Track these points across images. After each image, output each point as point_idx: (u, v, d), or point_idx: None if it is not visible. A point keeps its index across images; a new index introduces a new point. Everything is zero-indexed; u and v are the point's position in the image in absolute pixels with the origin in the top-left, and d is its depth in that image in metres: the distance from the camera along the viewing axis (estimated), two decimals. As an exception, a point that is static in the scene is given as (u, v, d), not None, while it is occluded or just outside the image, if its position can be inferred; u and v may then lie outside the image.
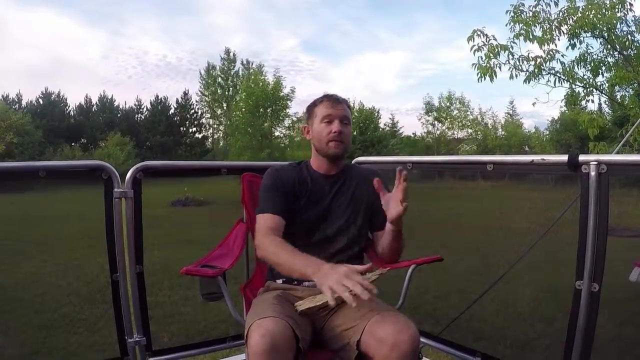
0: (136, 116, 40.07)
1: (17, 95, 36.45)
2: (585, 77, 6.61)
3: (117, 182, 1.99)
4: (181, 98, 41.07)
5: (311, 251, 1.67)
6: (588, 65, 6.49)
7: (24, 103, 36.39)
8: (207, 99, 42.46)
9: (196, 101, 42.22)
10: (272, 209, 1.71)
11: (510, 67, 6.37)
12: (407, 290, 1.74)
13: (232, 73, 42.01)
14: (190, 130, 41.40)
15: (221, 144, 41.96)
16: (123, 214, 2.01)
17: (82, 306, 3.75)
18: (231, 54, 42.21)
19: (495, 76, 6.30)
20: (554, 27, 6.17)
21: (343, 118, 1.80)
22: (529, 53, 6.39)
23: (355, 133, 30.01)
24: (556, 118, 31.30)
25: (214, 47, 77.30)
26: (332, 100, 1.83)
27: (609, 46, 6.42)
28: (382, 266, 1.75)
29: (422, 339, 2.22)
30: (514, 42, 6.30)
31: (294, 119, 25.65)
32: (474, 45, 6.28)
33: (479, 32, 6.27)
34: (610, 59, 6.56)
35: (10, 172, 2.03)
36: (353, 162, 2.61)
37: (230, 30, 62.89)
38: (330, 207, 1.81)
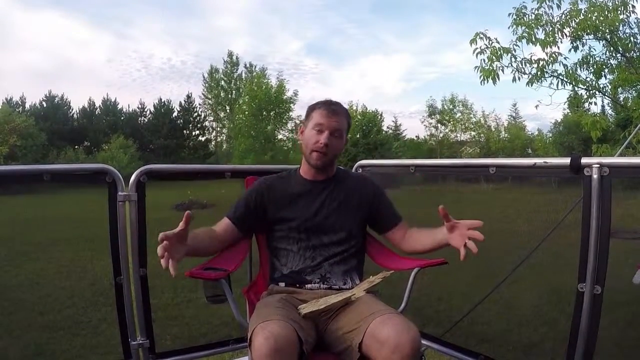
0: (139, 119, 40.05)
1: (20, 98, 36.49)
2: (588, 79, 6.62)
3: (120, 185, 2.01)
4: (184, 101, 41.11)
5: (306, 252, 1.78)
6: (591, 68, 6.49)
7: (27, 106, 36.40)
8: (210, 102, 42.56)
9: (199, 104, 42.34)
10: (231, 215, 1.84)
11: (513, 70, 6.39)
12: (410, 293, 1.73)
13: (235, 76, 42.12)
14: (194, 133, 41.38)
15: (224, 147, 42.03)
16: (127, 217, 2.02)
17: (86, 308, 3.75)
18: (234, 57, 42.37)
19: (498, 79, 6.32)
20: (556, 29, 6.17)
21: (334, 130, 1.77)
22: (531, 56, 6.40)
23: (358, 136, 29.99)
24: (559, 120, 31.21)
25: (219, 50, 77.67)
26: (328, 109, 1.79)
27: (612, 48, 6.41)
28: (387, 268, 1.76)
29: (424, 341, 2.22)
30: (516, 45, 6.32)
31: (297, 121, 25.67)
32: (476, 48, 6.30)
33: (481, 35, 6.27)
34: (613, 61, 6.56)
35: (15, 175, 2.05)
36: (356, 165, 2.63)
37: (234, 33, 63.17)
38: (320, 211, 1.82)
